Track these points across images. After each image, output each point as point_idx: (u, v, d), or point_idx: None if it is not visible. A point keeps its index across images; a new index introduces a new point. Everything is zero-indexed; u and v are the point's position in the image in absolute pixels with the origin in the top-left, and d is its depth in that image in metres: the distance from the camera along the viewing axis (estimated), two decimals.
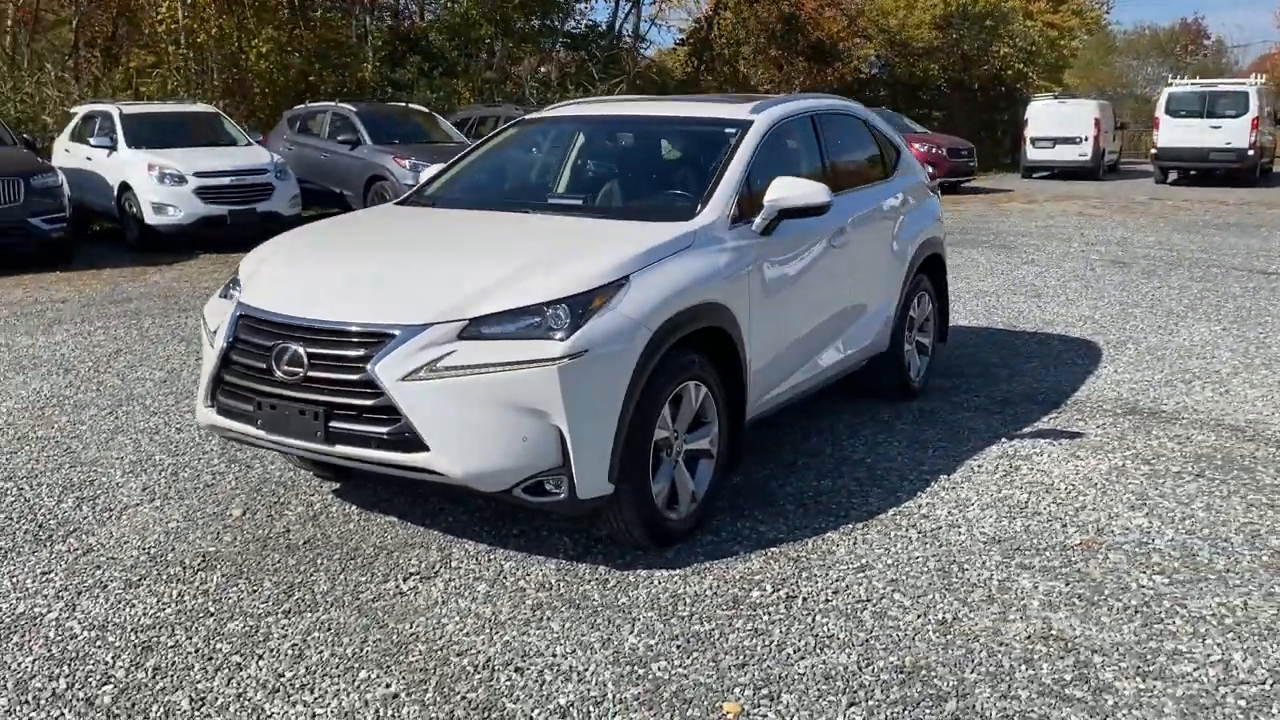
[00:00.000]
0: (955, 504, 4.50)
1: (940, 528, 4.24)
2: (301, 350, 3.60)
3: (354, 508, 4.41)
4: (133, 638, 3.34)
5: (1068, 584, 3.74)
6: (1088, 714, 2.92)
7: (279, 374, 3.63)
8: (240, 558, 3.93)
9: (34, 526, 4.23)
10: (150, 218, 12.13)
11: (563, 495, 3.56)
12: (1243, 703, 2.98)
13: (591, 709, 2.94)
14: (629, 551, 3.94)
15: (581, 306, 3.56)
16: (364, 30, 25.35)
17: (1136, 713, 2.93)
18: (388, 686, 3.07)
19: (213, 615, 3.49)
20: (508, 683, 3.09)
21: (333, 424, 3.56)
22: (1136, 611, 3.53)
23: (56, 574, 3.79)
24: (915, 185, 6.18)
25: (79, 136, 13.73)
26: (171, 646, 3.28)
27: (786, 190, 4.43)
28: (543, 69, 25.40)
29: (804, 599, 3.61)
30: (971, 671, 3.15)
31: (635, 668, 3.17)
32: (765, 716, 2.92)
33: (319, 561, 3.89)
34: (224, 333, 3.86)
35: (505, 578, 3.76)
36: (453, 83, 25.53)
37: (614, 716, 2.91)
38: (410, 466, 3.52)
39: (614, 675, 3.13)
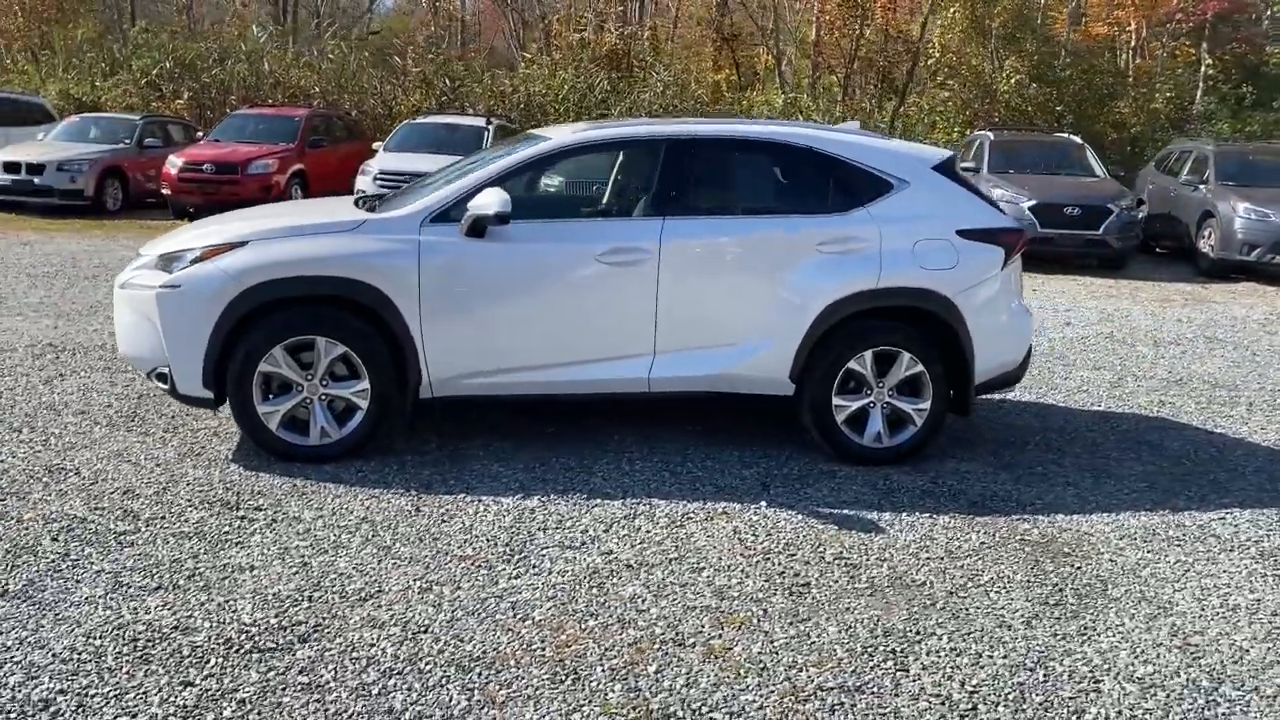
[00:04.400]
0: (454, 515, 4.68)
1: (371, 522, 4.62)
2: None
3: None
4: None
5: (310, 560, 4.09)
6: None
7: None
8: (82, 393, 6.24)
9: None
10: None
11: (168, 386, 5.15)
12: None
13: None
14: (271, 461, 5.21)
15: (197, 256, 5.08)
16: (1195, 59, 23.73)
17: None
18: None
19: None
20: (45, 481, 4.92)
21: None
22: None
23: None
24: (900, 227, 5.45)
25: None
26: None
27: (478, 199, 5.07)
28: None
29: (231, 509, 4.62)
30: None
31: (89, 495, 4.73)
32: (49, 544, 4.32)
33: (103, 413, 5.93)
34: None
35: (169, 443, 5.42)
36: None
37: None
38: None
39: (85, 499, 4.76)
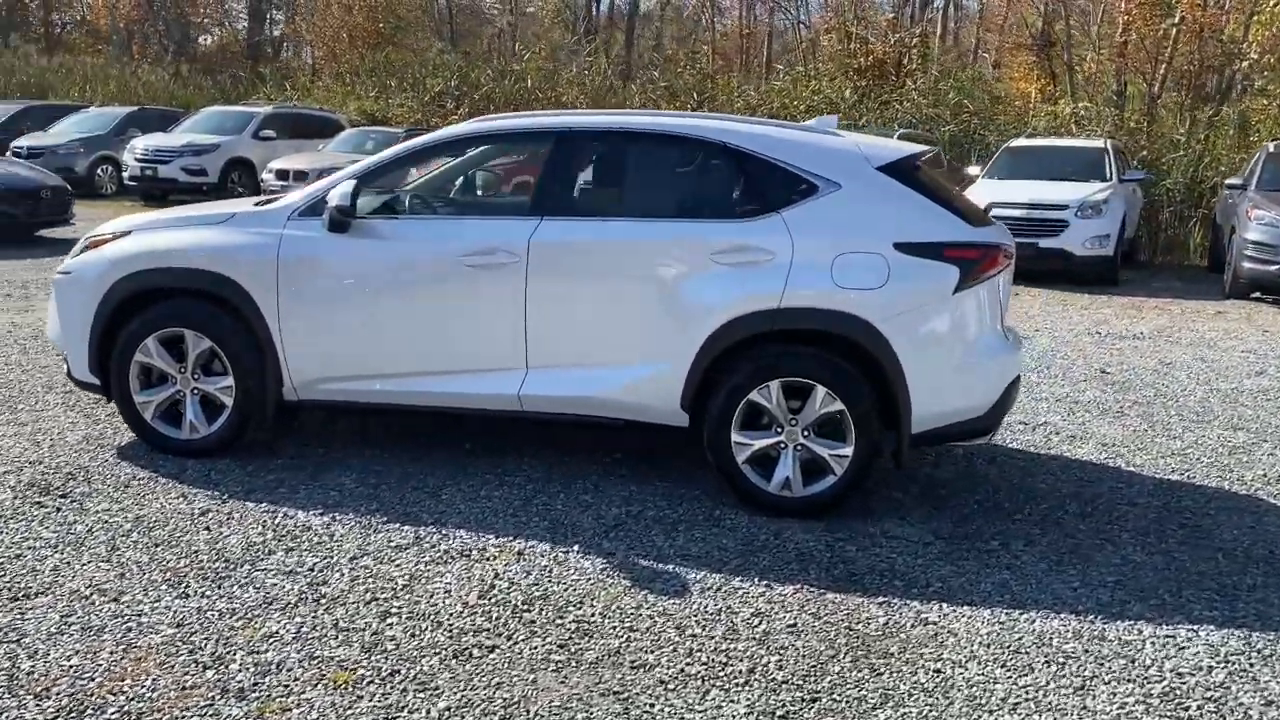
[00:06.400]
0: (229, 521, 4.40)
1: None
2: None
3: None
4: None
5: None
6: None
7: None
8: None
9: None
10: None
11: (66, 370, 5.32)
12: None
13: None
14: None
15: (86, 245, 5.21)
16: None
17: None
18: None
19: None
20: None
21: None
22: None
23: None
24: (819, 237, 4.58)
25: None
26: None
27: (332, 192, 4.83)
28: None
29: (42, 494, 4.68)
30: None
31: None
32: None
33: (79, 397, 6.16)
34: None
35: (93, 427, 5.59)
36: None
37: None
38: None
39: None
